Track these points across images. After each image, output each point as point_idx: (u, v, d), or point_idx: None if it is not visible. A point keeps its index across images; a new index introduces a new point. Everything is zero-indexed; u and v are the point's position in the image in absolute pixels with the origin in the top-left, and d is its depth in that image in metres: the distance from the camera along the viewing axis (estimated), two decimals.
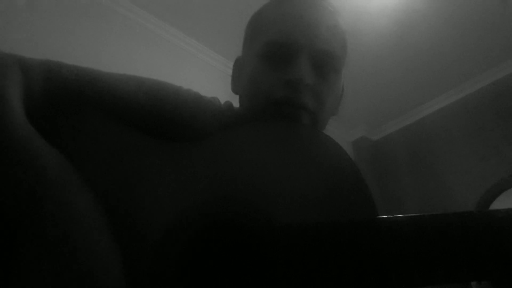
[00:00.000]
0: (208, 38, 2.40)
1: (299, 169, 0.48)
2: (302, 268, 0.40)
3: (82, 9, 1.97)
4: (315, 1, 0.59)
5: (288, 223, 0.42)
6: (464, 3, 2.26)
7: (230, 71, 0.67)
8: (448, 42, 2.50)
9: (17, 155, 0.37)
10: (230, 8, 2.19)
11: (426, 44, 2.50)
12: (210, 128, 0.56)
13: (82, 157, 0.42)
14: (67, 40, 1.81)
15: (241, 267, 0.46)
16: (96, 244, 0.36)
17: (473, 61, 2.65)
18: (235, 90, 0.65)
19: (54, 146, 0.41)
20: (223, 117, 0.59)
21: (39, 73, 0.46)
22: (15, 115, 0.39)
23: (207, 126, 0.55)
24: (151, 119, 0.52)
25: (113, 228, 0.39)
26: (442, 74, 2.75)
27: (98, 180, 0.41)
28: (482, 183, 2.53)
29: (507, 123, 2.56)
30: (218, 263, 0.47)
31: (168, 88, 0.55)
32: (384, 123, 3.25)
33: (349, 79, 0.68)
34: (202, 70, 2.38)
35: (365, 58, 2.49)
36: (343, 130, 3.16)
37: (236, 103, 0.64)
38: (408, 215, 0.41)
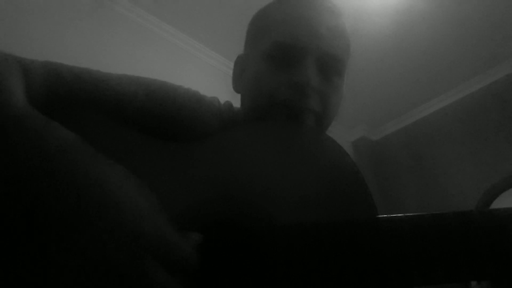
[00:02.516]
0: (207, 38, 2.40)
1: (300, 169, 0.48)
2: (302, 268, 0.40)
3: (82, 9, 1.97)
4: (322, 3, 0.59)
5: (289, 223, 0.42)
6: (464, 3, 2.26)
7: (230, 71, 0.67)
8: (448, 42, 2.50)
9: (21, 133, 0.36)
10: (230, 8, 2.19)
11: (426, 44, 2.50)
12: (210, 128, 0.56)
13: None
14: (67, 40, 1.81)
15: (242, 266, 0.46)
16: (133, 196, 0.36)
17: (473, 61, 2.65)
18: (236, 88, 0.64)
19: None
20: (223, 117, 0.59)
21: (39, 75, 0.46)
22: (21, 105, 0.39)
23: (207, 126, 0.56)
24: (151, 119, 0.52)
25: None
26: (442, 74, 2.75)
27: None
28: (482, 183, 2.53)
29: (507, 123, 2.56)
30: (218, 262, 0.47)
31: (168, 87, 0.56)
32: (384, 123, 3.25)
33: (349, 79, 0.68)
34: (201, 70, 2.38)
35: (365, 58, 2.49)
36: (343, 130, 3.16)
37: (236, 103, 0.64)
38: (408, 214, 0.41)
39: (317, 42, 0.55)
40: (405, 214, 0.41)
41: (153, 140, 0.49)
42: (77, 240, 0.33)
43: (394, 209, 2.78)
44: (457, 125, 2.85)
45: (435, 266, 0.38)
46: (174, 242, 0.35)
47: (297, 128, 0.53)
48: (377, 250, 0.39)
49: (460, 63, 2.66)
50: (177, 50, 2.34)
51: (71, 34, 1.85)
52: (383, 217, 0.41)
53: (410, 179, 2.97)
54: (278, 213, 0.44)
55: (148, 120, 0.52)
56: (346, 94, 0.67)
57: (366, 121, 3.20)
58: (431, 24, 2.38)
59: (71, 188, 0.34)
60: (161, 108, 0.53)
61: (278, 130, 0.51)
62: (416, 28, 2.40)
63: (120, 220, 0.34)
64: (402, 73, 2.70)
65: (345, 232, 0.41)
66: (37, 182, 0.34)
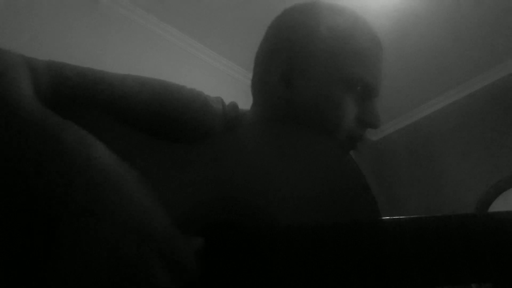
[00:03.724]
0: (208, 38, 2.39)
1: (302, 170, 0.48)
2: (304, 269, 0.40)
3: (82, 9, 1.97)
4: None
5: (290, 224, 0.43)
6: (464, 3, 2.26)
7: (230, 72, 0.67)
8: (448, 42, 2.50)
9: (36, 135, 0.36)
10: (231, 9, 2.18)
11: (426, 44, 2.50)
12: (214, 129, 0.56)
13: None
14: (67, 40, 1.81)
15: (243, 267, 0.46)
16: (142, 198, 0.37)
17: (473, 61, 2.65)
18: (276, 85, 0.59)
19: None
20: (226, 118, 0.59)
21: (44, 74, 0.46)
22: (30, 100, 0.39)
23: (211, 127, 0.56)
24: (154, 119, 0.52)
25: None
26: (442, 74, 2.75)
27: None
28: (482, 183, 2.53)
29: (507, 123, 2.57)
30: (220, 263, 0.47)
31: (172, 88, 0.55)
32: (384, 123, 3.25)
33: None
34: (203, 70, 2.38)
35: None
36: None
37: (239, 104, 0.63)
38: (409, 216, 0.41)
39: (380, 84, 0.60)
40: (407, 216, 0.41)
41: (156, 141, 0.49)
42: (87, 235, 0.33)
43: (394, 209, 2.79)
44: (457, 125, 2.85)
45: (436, 268, 0.38)
46: (179, 245, 0.36)
47: (299, 130, 0.53)
48: (378, 252, 0.39)
49: (460, 63, 2.66)
50: (178, 50, 2.34)
51: (71, 34, 1.85)
52: (385, 219, 0.42)
53: (410, 179, 2.97)
54: (280, 214, 0.45)
55: (152, 121, 0.52)
56: None
57: None
58: (431, 24, 2.38)
59: (86, 185, 0.35)
60: (165, 108, 0.53)
61: (281, 132, 0.51)
62: (416, 28, 2.40)
63: (131, 220, 0.35)
64: (402, 73, 2.70)
65: (347, 233, 0.41)
66: (54, 177, 0.35)
